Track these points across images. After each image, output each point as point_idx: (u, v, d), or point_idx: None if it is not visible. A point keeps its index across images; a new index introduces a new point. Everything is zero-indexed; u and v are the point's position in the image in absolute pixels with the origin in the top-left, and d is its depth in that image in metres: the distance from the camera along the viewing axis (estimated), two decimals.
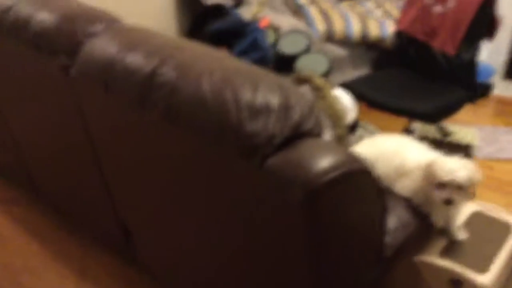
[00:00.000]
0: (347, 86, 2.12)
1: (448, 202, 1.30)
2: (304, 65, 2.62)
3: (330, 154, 1.02)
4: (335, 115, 1.66)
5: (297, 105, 1.07)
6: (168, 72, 1.15)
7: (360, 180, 1.08)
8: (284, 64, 2.63)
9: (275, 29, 2.70)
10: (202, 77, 1.12)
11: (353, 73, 2.87)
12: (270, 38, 2.65)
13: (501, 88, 3.64)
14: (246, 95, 1.06)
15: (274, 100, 1.06)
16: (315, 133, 1.09)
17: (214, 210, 1.25)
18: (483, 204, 1.61)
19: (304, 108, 1.07)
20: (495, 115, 3.40)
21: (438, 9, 2.46)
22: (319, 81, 1.71)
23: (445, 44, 2.47)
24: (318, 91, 1.69)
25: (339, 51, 2.96)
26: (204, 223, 1.32)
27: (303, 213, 0.99)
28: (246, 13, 2.75)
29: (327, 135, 1.64)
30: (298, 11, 3.03)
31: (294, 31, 2.71)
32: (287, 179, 0.98)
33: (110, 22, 1.45)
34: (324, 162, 0.99)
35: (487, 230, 1.52)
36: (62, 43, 1.43)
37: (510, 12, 3.63)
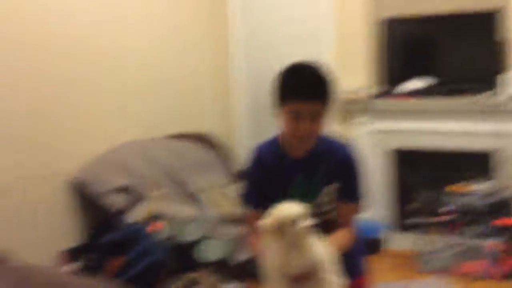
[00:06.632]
0: None
1: None
2: (202, 251, 2.73)
3: None
4: None
5: None
6: None
7: None
8: (183, 253, 2.71)
9: (171, 220, 2.83)
10: None
11: None
12: (166, 229, 2.76)
13: (395, 242, 3.90)
14: None
15: None
16: None
17: None
18: None
19: None
20: (389, 270, 3.61)
21: None
22: (212, 280, 1.81)
23: None
24: None
25: (235, 231, 3.13)
26: None
27: None
28: (144, 209, 2.88)
29: None
30: (191, 199, 3.23)
31: (190, 220, 2.86)
32: None
33: None
34: None
35: None
36: None
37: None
